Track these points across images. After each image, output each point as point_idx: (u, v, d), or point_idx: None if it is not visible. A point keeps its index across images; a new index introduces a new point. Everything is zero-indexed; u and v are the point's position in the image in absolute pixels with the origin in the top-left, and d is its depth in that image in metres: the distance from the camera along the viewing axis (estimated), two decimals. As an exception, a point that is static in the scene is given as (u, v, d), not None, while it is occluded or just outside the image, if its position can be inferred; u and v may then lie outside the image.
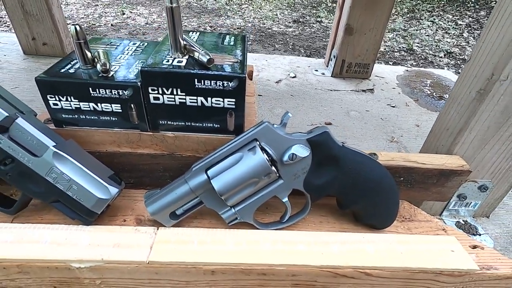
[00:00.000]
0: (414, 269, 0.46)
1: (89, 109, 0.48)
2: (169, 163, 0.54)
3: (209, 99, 0.46)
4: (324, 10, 4.22)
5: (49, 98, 0.46)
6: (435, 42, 3.55)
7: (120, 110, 0.48)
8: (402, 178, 0.57)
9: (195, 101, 0.47)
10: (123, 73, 0.47)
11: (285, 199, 0.50)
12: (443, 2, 4.40)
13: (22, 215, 0.51)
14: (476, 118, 0.55)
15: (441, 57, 3.28)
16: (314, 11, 4.20)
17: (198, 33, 0.58)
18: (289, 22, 3.81)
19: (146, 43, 0.58)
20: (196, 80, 0.44)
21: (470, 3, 4.29)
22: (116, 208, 0.53)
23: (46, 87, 0.46)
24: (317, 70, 1.38)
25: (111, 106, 0.47)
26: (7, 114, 0.43)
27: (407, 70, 1.48)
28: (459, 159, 0.58)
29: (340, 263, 0.46)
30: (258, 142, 0.46)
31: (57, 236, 0.47)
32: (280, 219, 0.53)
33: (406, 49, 3.48)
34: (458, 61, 3.21)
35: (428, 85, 1.34)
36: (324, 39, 3.44)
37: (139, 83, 0.45)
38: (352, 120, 1.06)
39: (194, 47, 0.46)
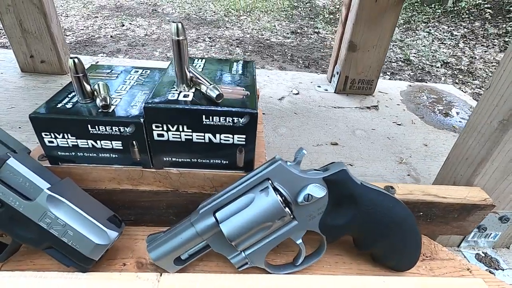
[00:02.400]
0: (441, 319, 0.42)
1: (87, 146, 0.44)
2: (172, 199, 0.50)
3: (217, 135, 0.43)
4: (321, 21, 4.25)
5: (44, 136, 0.43)
6: (432, 52, 3.57)
7: (121, 147, 0.44)
8: (421, 213, 0.53)
9: (203, 137, 0.43)
10: (125, 107, 0.44)
11: (299, 241, 0.46)
12: (438, 13, 4.45)
13: (12, 259, 0.47)
14: (499, 149, 0.52)
15: (437, 67, 3.29)
16: (312, 23, 4.22)
17: (203, 60, 0.54)
18: (287, 33, 3.82)
19: (149, 71, 0.55)
20: (204, 116, 0.41)
21: (465, 14, 4.34)
22: (115, 250, 0.49)
23: (41, 124, 0.42)
24: (319, 86, 1.36)
25: (111, 143, 0.44)
26: (-3, 156, 0.39)
27: (410, 85, 1.46)
28: (480, 191, 0.55)
29: (361, 313, 0.42)
30: (270, 182, 0.43)
31: (52, 285, 0.42)
32: (293, 262, 0.49)
33: (403, 59, 3.50)
34: (455, 71, 3.22)
35: (432, 101, 1.32)
36: (322, 50, 3.44)
37: (142, 120, 0.42)
38: (358, 139, 1.03)
39: (201, 80, 0.43)
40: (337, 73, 1.30)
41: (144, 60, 2.80)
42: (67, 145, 0.44)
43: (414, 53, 3.53)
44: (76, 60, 0.41)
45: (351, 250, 0.53)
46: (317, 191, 0.42)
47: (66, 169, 0.46)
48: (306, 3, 5.05)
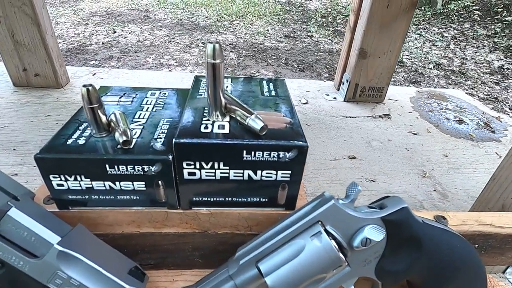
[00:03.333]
0: None
1: (103, 188, 0.37)
2: (200, 241, 0.44)
3: (258, 172, 0.37)
4: (314, 25, 4.24)
5: (52, 179, 0.36)
6: (424, 54, 3.59)
7: (144, 188, 0.37)
8: (476, 245, 0.48)
9: (241, 175, 0.37)
10: (147, 140, 0.37)
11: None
12: (428, 15, 4.49)
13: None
14: (558, 171, 0.47)
15: (430, 68, 3.30)
16: (305, 26, 4.21)
17: (229, 80, 0.48)
18: (281, 37, 3.79)
19: (167, 92, 0.48)
20: (245, 152, 0.35)
21: (454, 16, 4.39)
22: (136, 303, 0.42)
23: (49, 166, 0.35)
24: (328, 95, 1.31)
25: (133, 184, 0.37)
26: (-5, 207, 0.32)
27: (418, 91, 1.42)
28: (537, 218, 0.50)
29: None
30: (322, 225, 0.37)
31: None
32: (342, 310, 0.43)
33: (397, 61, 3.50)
34: (447, 72, 3.24)
35: (444, 108, 1.28)
36: (316, 53, 3.42)
37: (170, 157, 0.35)
38: (376, 152, 0.98)
39: (239, 107, 0.37)
40: (347, 80, 1.25)
41: (136, 68, 2.72)
42: (80, 188, 0.37)
43: (407, 55, 3.54)
44: (90, 88, 0.34)
45: (402, 292, 0.47)
46: (376, 234, 0.36)
47: (77, 214, 0.39)
48: (298, 7, 5.05)
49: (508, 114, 2.47)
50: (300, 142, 0.35)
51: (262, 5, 5.01)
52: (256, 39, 3.78)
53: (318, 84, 1.44)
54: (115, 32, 3.57)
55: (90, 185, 0.37)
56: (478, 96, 2.79)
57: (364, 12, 1.12)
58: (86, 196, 0.38)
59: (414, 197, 0.81)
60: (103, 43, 3.25)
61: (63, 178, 0.36)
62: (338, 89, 1.34)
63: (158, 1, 4.80)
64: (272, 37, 3.83)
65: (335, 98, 1.29)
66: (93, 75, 1.35)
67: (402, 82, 2.95)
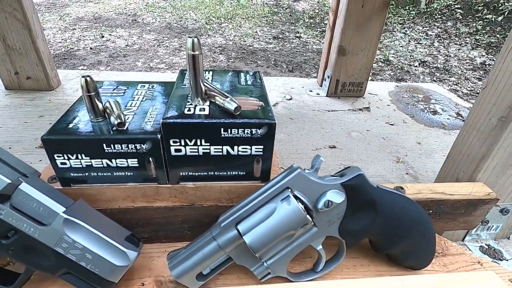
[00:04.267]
0: (462, 314, 0.43)
1: (101, 166, 0.43)
2: (188, 214, 0.50)
3: (235, 147, 0.43)
4: (302, 26, 4.31)
5: (56, 158, 0.41)
6: (409, 52, 3.69)
7: (137, 165, 0.43)
8: (431, 211, 0.55)
9: (220, 150, 0.43)
10: (138, 123, 0.43)
11: (319, 247, 0.47)
12: (412, 15, 4.61)
13: (24, 288, 0.45)
14: (499, 144, 0.54)
15: (416, 66, 3.41)
16: (293, 27, 4.28)
17: (211, 73, 0.54)
18: (269, 38, 3.85)
19: (155, 85, 0.54)
20: (222, 129, 0.41)
21: (437, 15, 4.51)
22: (132, 270, 0.48)
23: (53, 146, 0.41)
24: (311, 91, 1.38)
25: (127, 161, 0.43)
26: (9, 181, 0.37)
27: (397, 86, 1.50)
28: (484, 186, 0.57)
29: (386, 314, 0.43)
30: (290, 191, 0.43)
31: (70, 313, 0.41)
32: (313, 268, 0.49)
33: (383, 60, 3.60)
34: (432, 70, 3.34)
35: (420, 100, 1.36)
36: (304, 54, 3.49)
37: (159, 136, 0.41)
38: (355, 141, 1.05)
39: (217, 93, 0.43)
40: (328, 77, 1.32)
41: (126, 71, 2.76)
42: (80, 166, 0.42)
43: (393, 54, 3.64)
44: (88, 78, 0.40)
45: (367, 252, 0.54)
46: (337, 196, 0.43)
47: (78, 191, 0.45)
48: (286, 9, 5.12)
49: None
50: (269, 120, 0.42)
51: (250, 7, 5.07)
52: (245, 41, 3.83)
53: (302, 81, 1.51)
54: (103, 37, 3.58)
55: (90, 163, 0.42)
56: (462, 92, 2.89)
57: (341, 11, 1.19)
58: (86, 174, 0.44)
59: (388, 179, 0.88)
60: (91, 48, 3.26)
61: (66, 157, 0.41)
62: (321, 85, 1.41)
63: (146, 5, 4.82)
64: (261, 39, 3.89)
65: (318, 94, 1.36)
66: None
67: (388, 80, 3.04)
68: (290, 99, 1.30)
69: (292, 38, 3.91)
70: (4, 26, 1.07)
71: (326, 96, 1.34)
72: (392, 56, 3.64)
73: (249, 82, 0.52)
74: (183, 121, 0.40)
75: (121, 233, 0.44)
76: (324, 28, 4.28)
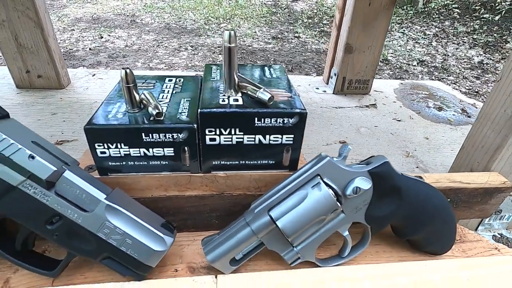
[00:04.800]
0: (484, 295, 0.45)
1: (139, 155, 0.44)
2: (217, 203, 0.51)
3: (267, 136, 0.45)
4: (301, 26, 4.34)
5: (97, 147, 0.43)
6: (407, 51, 3.73)
7: (173, 154, 0.45)
8: (448, 199, 0.57)
9: (253, 139, 0.45)
10: (173, 114, 0.45)
11: (346, 233, 0.49)
12: (410, 14, 4.65)
13: (63, 274, 0.46)
14: (514, 135, 0.57)
15: (414, 65, 3.44)
16: (292, 27, 4.30)
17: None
18: (268, 38, 3.87)
19: (182, 79, 0.56)
20: (256, 119, 0.43)
21: (435, 14, 4.56)
22: (164, 257, 0.49)
23: (95, 135, 0.42)
24: (318, 88, 1.40)
25: (163, 150, 0.44)
26: (54, 169, 0.39)
27: (401, 83, 1.53)
28: (499, 176, 0.59)
29: (412, 296, 0.45)
30: (320, 178, 0.45)
31: (110, 297, 0.42)
32: (339, 254, 0.51)
33: (382, 59, 3.63)
34: (431, 69, 3.38)
35: (425, 97, 1.38)
36: (303, 54, 3.52)
37: (195, 125, 0.43)
38: (364, 137, 1.07)
39: (251, 84, 0.45)
40: (335, 74, 1.34)
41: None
42: (119, 155, 0.44)
43: (392, 53, 3.68)
44: (127, 70, 0.42)
45: (388, 239, 0.56)
46: (364, 183, 0.45)
47: (114, 180, 0.47)
48: (285, 9, 5.14)
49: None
50: (300, 109, 0.43)
51: (249, 7, 5.08)
52: (244, 41, 3.84)
53: (308, 79, 1.53)
54: (102, 37, 3.57)
55: (128, 152, 0.44)
56: (460, 91, 2.93)
57: (348, 10, 1.21)
58: (123, 163, 0.45)
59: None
60: (90, 49, 3.25)
61: (106, 146, 0.43)
62: (327, 83, 1.43)
63: (145, 5, 4.82)
64: (260, 39, 3.90)
65: (325, 91, 1.38)
66: (92, 75, 1.40)
67: (388, 79, 3.07)
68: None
69: (291, 38, 3.94)
70: (17, 25, 1.07)
71: (333, 93, 1.37)
72: (391, 56, 3.67)
73: (274, 75, 0.54)
74: (220, 110, 0.42)
75: (157, 220, 0.46)
76: (323, 28, 4.30)
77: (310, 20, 4.71)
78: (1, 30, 1.07)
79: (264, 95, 0.42)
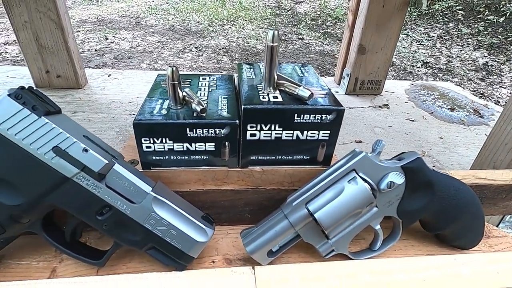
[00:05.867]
0: (515, 288, 0.46)
1: (182, 149, 0.46)
2: (251, 197, 0.53)
3: (305, 132, 0.46)
4: (304, 27, 4.36)
5: (143, 141, 0.45)
6: (412, 53, 3.75)
7: (214, 149, 0.47)
8: (474, 196, 0.58)
9: (291, 135, 0.46)
10: (214, 110, 0.47)
11: (378, 227, 0.50)
12: (414, 16, 4.67)
13: (106, 265, 0.48)
14: (537, 133, 0.58)
15: (418, 67, 3.46)
16: (295, 29, 4.32)
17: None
18: (273, 40, 3.89)
19: (215, 77, 0.58)
20: (296, 115, 0.44)
21: (439, 16, 4.57)
22: (202, 250, 0.51)
23: (143, 130, 0.44)
24: (330, 89, 1.41)
25: (205, 145, 0.46)
26: (106, 161, 0.40)
27: (412, 84, 1.55)
28: (522, 173, 0.60)
29: (445, 288, 0.46)
30: (356, 172, 0.46)
31: (155, 285, 0.44)
32: (370, 247, 0.52)
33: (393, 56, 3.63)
34: (435, 70, 3.40)
35: (436, 98, 1.40)
36: (307, 55, 3.54)
37: (237, 121, 0.44)
38: (379, 136, 1.09)
39: (290, 82, 0.46)
40: (347, 75, 1.36)
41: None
42: (163, 149, 0.46)
43: (396, 55, 3.70)
44: (174, 68, 0.43)
45: (415, 234, 0.57)
46: (398, 178, 0.46)
47: (156, 173, 0.48)
48: (288, 11, 5.16)
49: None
50: (338, 106, 0.45)
51: (253, 9, 5.10)
52: (248, 43, 3.85)
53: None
54: (107, 39, 3.59)
55: (172, 147, 0.45)
56: (467, 92, 2.94)
57: (362, 11, 1.23)
58: (166, 157, 0.47)
59: (416, 171, 0.92)
60: (96, 50, 3.27)
61: (151, 141, 0.45)
62: (339, 84, 1.45)
63: (149, 7, 4.84)
64: (264, 40, 3.92)
65: (337, 92, 1.40)
66: (108, 76, 1.42)
67: (398, 80, 3.09)
68: (312, 96, 1.33)
69: (295, 40, 3.96)
70: (38, 26, 1.10)
71: (345, 93, 1.38)
72: (395, 57, 3.68)
73: (306, 74, 0.55)
74: (262, 107, 0.44)
75: (198, 213, 0.48)
76: (326, 30, 4.32)
77: (313, 22, 4.72)
78: (23, 31, 1.09)
79: (304, 92, 0.44)
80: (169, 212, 0.43)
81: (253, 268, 0.47)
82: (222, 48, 3.55)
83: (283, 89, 0.47)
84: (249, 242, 0.47)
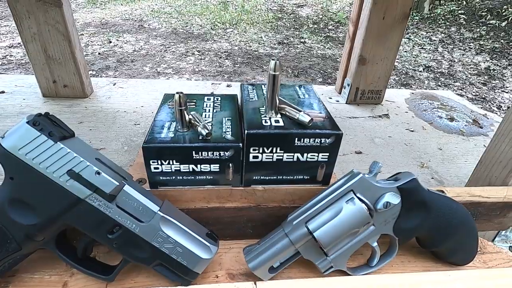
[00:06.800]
0: (506, 304, 0.48)
1: (188, 170, 0.48)
2: (253, 214, 0.55)
3: (305, 154, 0.49)
4: (306, 31, 4.37)
5: (151, 163, 0.47)
6: (413, 57, 3.76)
7: (218, 170, 0.49)
8: (469, 212, 0.60)
9: (292, 157, 0.49)
10: (219, 133, 0.49)
11: (375, 244, 0.52)
12: (416, 20, 4.69)
13: (115, 279, 0.50)
14: (531, 152, 0.60)
15: (420, 71, 3.47)
16: (297, 33, 4.34)
17: (269, 86, 0.60)
18: (274, 44, 3.91)
19: (219, 98, 0.60)
20: (296, 139, 0.47)
21: (441, 20, 4.58)
22: (206, 264, 0.53)
23: (151, 153, 0.46)
24: (331, 98, 1.44)
25: (210, 166, 0.48)
26: (117, 183, 0.43)
27: (412, 93, 1.56)
28: (516, 190, 0.62)
29: (439, 304, 0.48)
30: (354, 193, 0.48)
31: (161, 300, 0.46)
32: (367, 263, 0.54)
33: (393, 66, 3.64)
34: (437, 75, 3.41)
35: (436, 108, 1.42)
36: (309, 59, 3.55)
37: (240, 145, 0.47)
38: (378, 147, 1.11)
39: (291, 107, 0.49)
40: (348, 85, 1.38)
41: (134, 77, 2.80)
42: (170, 170, 0.48)
43: (397, 59, 3.71)
44: (181, 94, 0.46)
45: (412, 250, 0.59)
46: (394, 198, 0.48)
47: (163, 192, 0.51)
48: (290, 14, 5.18)
49: (496, 113, 2.61)
50: (336, 131, 0.47)
51: (255, 13, 5.12)
52: (251, 46, 3.87)
53: (321, 88, 1.57)
54: (110, 42, 3.62)
55: (178, 168, 0.48)
56: (467, 97, 2.95)
57: (362, 23, 1.25)
58: (173, 177, 0.49)
59: (415, 183, 0.94)
60: (99, 53, 3.30)
61: (159, 163, 0.47)
62: (340, 93, 1.47)
63: (152, 10, 4.88)
64: (266, 44, 3.94)
65: (338, 101, 1.42)
66: (113, 85, 1.45)
67: (393, 85, 3.10)
68: (313, 106, 1.36)
69: (297, 44, 3.98)
70: (47, 38, 1.12)
71: (346, 103, 1.40)
72: (397, 62, 3.69)
73: (306, 96, 0.58)
74: (265, 132, 0.46)
75: (202, 230, 0.50)
76: (328, 34, 4.34)
77: (315, 26, 4.74)
78: (32, 43, 1.12)
79: (304, 117, 0.47)
80: (175, 231, 0.46)
81: (255, 283, 0.50)
82: (225, 52, 3.57)
83: (284, 113, 0.50)
84: (252, 259, 0.49)
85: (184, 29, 4.33)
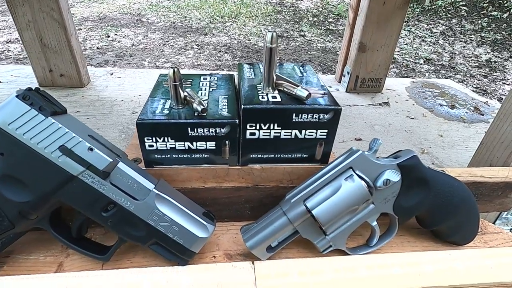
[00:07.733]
0: (508, 283, 0.48)
1: (183, 148, 0.47)
2: (251, 194, 0.54)
3: (303, 131, 0.48)
4: (306, 24, 4.34)
5: (146, 140, 0.46)
6: (414, 50, 3.73)
7: (214, 147, 0.48)
8: (470, 193, 0.59)
9: (290, 134, 0.48)
10: (215, 110, 0.48)
11: (374, 223, 0.51)
12: (417, 12, 4.65)
13: (111, 259, 0.50)
14: (533, 131, 0.59)
15: (421, 64, 3.44)
16: (297, 26, 4.31)
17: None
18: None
19: (215, 77, 0.59)
20: (294, 114, 0.46)
21: (442, 12, 4.54)
22: (203, 245, 0.53)
23: (146, 129, 0.45)
24: (330, 86, 1.42)
25: (206, 144, 0.47)
26: (110, 160, 0.42)
27: (413, 82, 1.55)
28: (518, 170, 0.61)
29: (439, 283, 0.47)
30: (353, 170, 0.48)
31: (158, 279, 0.46)
32: (367, 243, 0.54)
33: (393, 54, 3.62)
34: (438, 67, 3.38)
35: (437, 96, 1.40)
36: (309, 52, 3.53)
37: (237, 121, 0.46)
38: (378, 134, 1.10)
39: (288, 82, 0.48)
40: (348, 73, 1.37)
41: (133, 68, 2.78)
42: (165, 148, 0.47)
43: (398, 51, 3.68)
44: (175, 69, 0.45)
45: (411, 230, 0.58)
46: (394, 176, 0.47)
47: (158, 171, 0.50)
48: (290, 7, 5.14)
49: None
50: (335, 106, 0.46)
51: (254, 6, 5.08)
52: (250, 40, 3.84)
53: (320, 77, 1.55)
54: (108, 36, 3.59)
55: (174, 146, 0.47)
56: (468, 89, 2.93)
57: (362, 9, 1.24)
58: (168, 155, 0.48)
59: (415, 169, 0.93)
60: (97, 48, 3.27)
61: (154, 140, 0.46)
62: (340, 81, 1.46)
63: (150, 4, 4.84)
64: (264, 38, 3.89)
65: (338, 90, 1.40)
66: (111, 74, 1.44)
67: (399, 78, 3.08)
68: (312, 94, 1.34)
69: (297, 37, 3.95)
70: (42, 25, 1.11)
71: (346, 91, 1.39)
72: (397, 54, 3.66)
73: (305, 74, 0.56)
74: (261, 106, 0.45)
75: (199, 209, 0.49)
76: (328, 27, 4.31)
77: (315, 19, 4.70)
78: (27, 31, 1.11)
79: (302, 92, 0.45)
80: (171, 209, 0.45)
81: (253, 263, 0.49)
82: (224, 45, 3.54)
83: (282, 89, 0.49)
84: (249, 238, 0.48)
85: (182, 23, 4.30)
